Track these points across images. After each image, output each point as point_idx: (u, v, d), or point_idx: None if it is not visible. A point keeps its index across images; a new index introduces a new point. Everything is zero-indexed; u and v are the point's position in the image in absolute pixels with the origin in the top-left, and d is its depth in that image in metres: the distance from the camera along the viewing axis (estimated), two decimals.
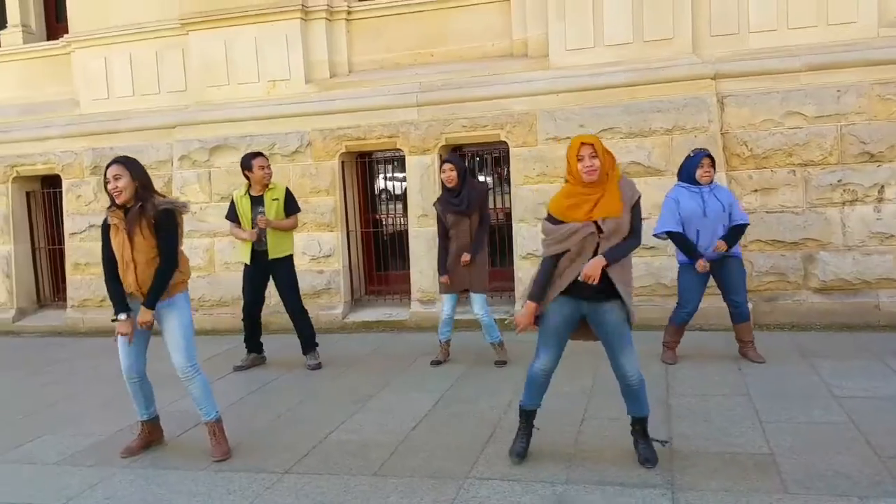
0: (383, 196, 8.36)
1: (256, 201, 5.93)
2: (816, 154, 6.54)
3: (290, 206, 6.01)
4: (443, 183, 5.67)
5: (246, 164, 5.92)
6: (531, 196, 7.11)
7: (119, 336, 4.12)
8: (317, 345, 6.18)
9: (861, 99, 6.44)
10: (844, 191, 6.50)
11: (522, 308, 3.81)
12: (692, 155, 5.40)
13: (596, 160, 3.50)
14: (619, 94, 6.91)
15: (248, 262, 5.98)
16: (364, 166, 8.13)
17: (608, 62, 6.98)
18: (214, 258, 8.02)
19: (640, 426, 3.80)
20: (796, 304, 6.63)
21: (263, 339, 6.39)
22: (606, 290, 3.60)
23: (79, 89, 8.74)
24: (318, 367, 6.06)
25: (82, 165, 8.58)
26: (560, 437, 4.15)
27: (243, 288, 6.15)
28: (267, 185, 5.93)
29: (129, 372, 4.24)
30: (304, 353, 6.14)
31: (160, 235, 3.99)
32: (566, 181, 3.69)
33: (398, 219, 8.12)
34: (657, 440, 3.82)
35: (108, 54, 8.54)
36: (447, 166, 5.56)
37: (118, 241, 3.99)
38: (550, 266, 3.68)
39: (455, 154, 6.04)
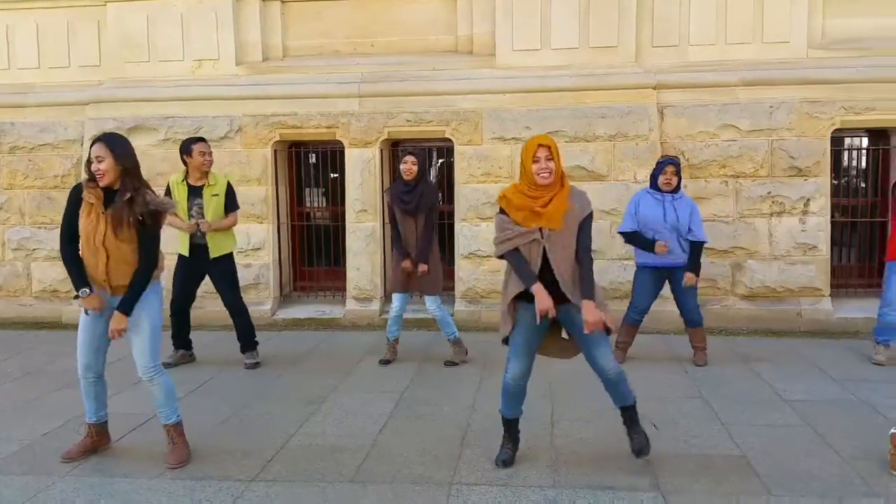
0: (313, 188, 8.03)
1: (194, 192, 5.51)
2: (748, 166, 6.83)
3: (231, 202, 5.63)
4: (399, 174, 5.48)
5: (185, 148, 5.50)
6: (474, 195, 7.03)
7: (85, 325, 3.71)
8: (257, 343, 5.83)
9: (791, 115, 6.78)
10: (773, 202, 6.82)
11: (535, 297, 3.56)
12: (659, 161, 5.50)
13: (552, 163, 3.46)
14: (565, 98, 6.95)
15: (186, 254, 5.56)
16: (294, 156, 7.78)
17: (554, 65, 7.00)
18: None
19: (628, 414, 3.76)
20: (724, 308, 6.89)
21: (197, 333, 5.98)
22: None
23: None
24: (257, 366, 5.72)
25: None
26: (534, 440, 4.07)
27: (174, 281, 5.71)
28: (206, 173, 5.53)
29: (86, 371, 3.81)
30: (243, 351, 5.78)
31: (145, 235, 3.63)
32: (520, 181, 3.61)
33: (329, 212, 7.82)
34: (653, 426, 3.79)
35: (10, 21, 7.75)
36: (409, 158, 5.40)
37: (89, 222, 3.59)
38: (518, 255, 3.56)
39: (417, 148, 5.87)
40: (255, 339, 5.82)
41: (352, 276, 7.28)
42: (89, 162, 3.58)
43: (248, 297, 7.18)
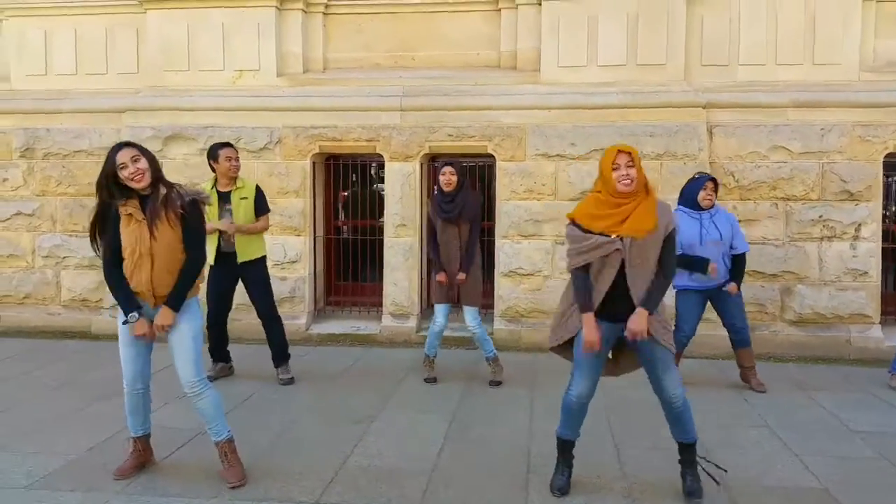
0: (350, 201, 7.92)
1: (223, 198, 5.41)
2: (799, 189, 6.69)
3: (261, 205, 5.52)
4: (439, 186, 5.36)
5: (212, 153, 5.41)
6: (516, 212, 6.89)
7: (128, 339, 3.56)
8: (289, 356, 5.68)
9: (843, 138, 6.64)
10: (824, 226, 6.67)
11: (582, 326, 3.49)
12: (696, 177, 5.36)
13: (632, 170, 3.31)
14: (611, 115, 6.83)
15: (212, 264, 5.43)
16: (332, 169, 7.67)
17: (601, 82, 6.89)
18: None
19: (687, 454, 3.60)
20: (772, 334, 6.71)
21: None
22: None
23: (10, 62, 7.81)
24: (291, 381, 5.56)
25: (10, 146, 7.63)
26: (602, 467, 3.90)
27: (207, 293, 5.57)
28: (234, 179, 5.43)
29: (134, 383, 3.66)
30: (276, 365, 5.63)
31: (189, 228, 3.51)
32: (596, 192, 3.48)
33: (365, 227, 7.69)
34: (716, 466, 3.64)
35: (49, 26, 7.68)
36: (448, 169, 5.31)
37: (132, 233, 3.43)
38: (585, 276, 3.44)
39: (456, 160, 5.76)
40: (288, 352, 5.67)
41: (389, 291, 7.13)
42: (111, 175, 3.40)
43: (282, 311, 7.01)
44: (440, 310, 5.53)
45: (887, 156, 6.67)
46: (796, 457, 4.14)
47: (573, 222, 3.45)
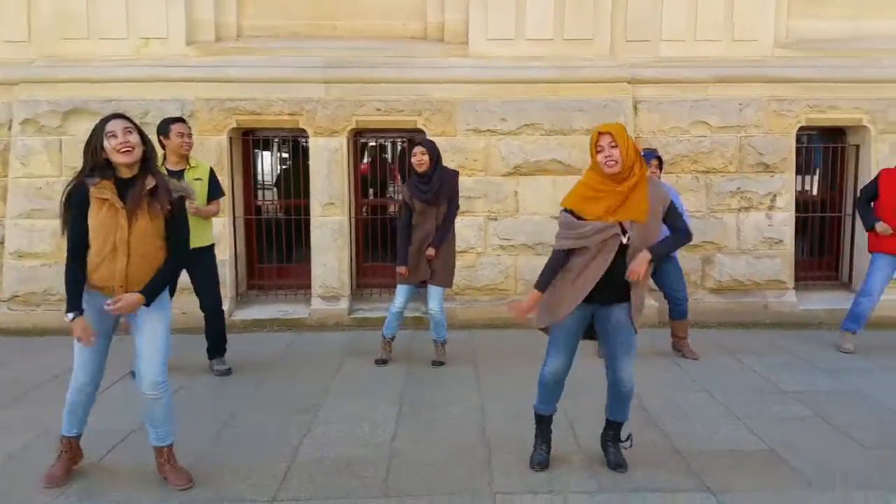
0: (267, 180, 7.58)
1: (174, 177, 5.01)
2: (718, 162, 6.89)
3: (215, 188, 5.17)
4: (412, 167, 5.17)
5: (163, 129, 5.01)
6: None
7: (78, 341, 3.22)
8: (225, 349, 5.38)
9: (759, 113, 6.88)
10: (741, 198, 6.91)
11: (526, 296, 3.50)
12: (642, 154, 5.39)
13: (616, 150, 3.27)
14: (541, 90, 6.79)
15: None
16: (251, 145, 7.30)
17: (529, 56, 6.83)
18: (63, 244, 6.72)
19: (614, 430, 3.67)
20: (695, 302, 6.89)
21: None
22: (621, 291, 3.40)
23: None
24: (229, 372, 5.27)
25: None
26: (559, 442, 3.86)
27: None
28: (185, 157, 5.05)
29: (85, 384, 3.32)
30: (211, 356, 5.32)
31: (175, 226, 3.22)
32: (588, 173, 3.43)
33: (289, 206, 7.38)
34: (622, 441, 3.67)
35: None
36: (419, 149, 5.11)
37: (105, 220, 3.08)
38: (562, 259, 3.41)
39: (426, 137, 5.55)
40: (226, 344, 5.38)
41: (318, 273, 6.87)
42: (93, 147, 3.08)
43: None
44: (401, 290, 5.34)
45: (800, 129, 6.96)
46: (738, 420, 4.27)
47: (566, 210, 3.38)
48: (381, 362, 5.42)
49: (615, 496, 3.28)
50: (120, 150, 3.06)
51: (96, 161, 3.09)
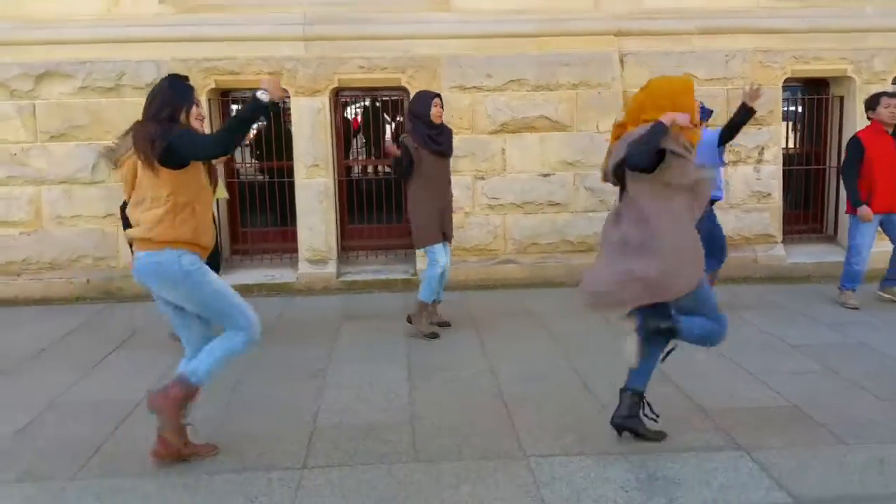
0: (253, 141, 7.33)
1: None
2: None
3: None
4: (421, 119, 4.99)
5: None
6: None
7: None
8: None
9: (745, 64, 6.85)
10: (730, 151, 6.88)
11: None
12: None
13: None
14: (526, 44, 6.65)
15: None
16: (228, 106, 7.03)
17: (513, 9, 6.66)
18: (42, 211, 6.44)
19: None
20: None
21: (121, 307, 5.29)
22: None
23: None
24: None
25: None
26: (581, 405, 3.83)
27: None
28: None
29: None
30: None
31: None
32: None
33: (271, 168, 7.15)
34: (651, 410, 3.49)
35: None
36: (437, 101, 5.02)
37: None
38: None
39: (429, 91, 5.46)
40: None
41: (304, 236, 6.69)
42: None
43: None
44: (440, 249, 5.11)
45: (786, 80, 6.95)
46: (752, 375, 4.29)
47: None
48: (435, 336, 5.12)
49: (649, 457, 3.25)
50: (200, 119, 3.39)
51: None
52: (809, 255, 7.05)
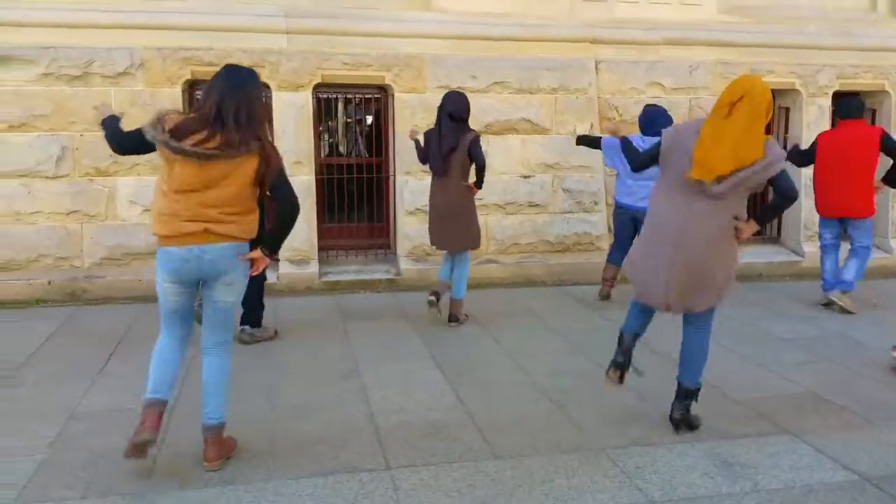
0: None
1: None
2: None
3: None
4: (447, 112, 5.24)
5: None
6: None
7: None
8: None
9: (708, 76, 7.26)
10: None
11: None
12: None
13: None
14: (508, 48, 6.76)
15: None
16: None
17: (494, 12, 6.77)
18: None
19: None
20: None
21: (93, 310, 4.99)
22: None
23: None
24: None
25: None
26: (624, 402, 3.96)
27: None
28: None
29: None
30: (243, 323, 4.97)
31: None
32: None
33: None
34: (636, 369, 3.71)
35: None
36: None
37: None
38: None
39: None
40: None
41: None
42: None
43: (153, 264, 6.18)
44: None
45: None
46: (761, 366, 4.58)
47: None
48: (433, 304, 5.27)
49: (715, 444, 3.41)
50: None
51: None
52: (757, 255, 7.54)
